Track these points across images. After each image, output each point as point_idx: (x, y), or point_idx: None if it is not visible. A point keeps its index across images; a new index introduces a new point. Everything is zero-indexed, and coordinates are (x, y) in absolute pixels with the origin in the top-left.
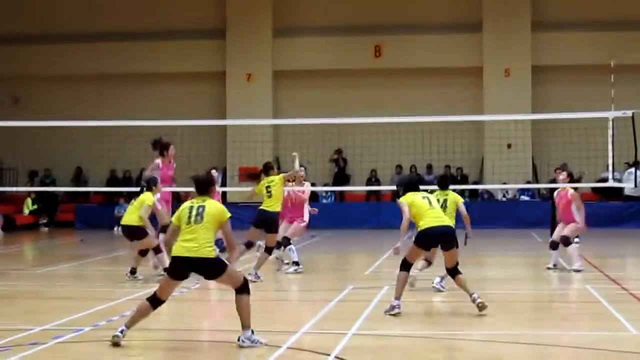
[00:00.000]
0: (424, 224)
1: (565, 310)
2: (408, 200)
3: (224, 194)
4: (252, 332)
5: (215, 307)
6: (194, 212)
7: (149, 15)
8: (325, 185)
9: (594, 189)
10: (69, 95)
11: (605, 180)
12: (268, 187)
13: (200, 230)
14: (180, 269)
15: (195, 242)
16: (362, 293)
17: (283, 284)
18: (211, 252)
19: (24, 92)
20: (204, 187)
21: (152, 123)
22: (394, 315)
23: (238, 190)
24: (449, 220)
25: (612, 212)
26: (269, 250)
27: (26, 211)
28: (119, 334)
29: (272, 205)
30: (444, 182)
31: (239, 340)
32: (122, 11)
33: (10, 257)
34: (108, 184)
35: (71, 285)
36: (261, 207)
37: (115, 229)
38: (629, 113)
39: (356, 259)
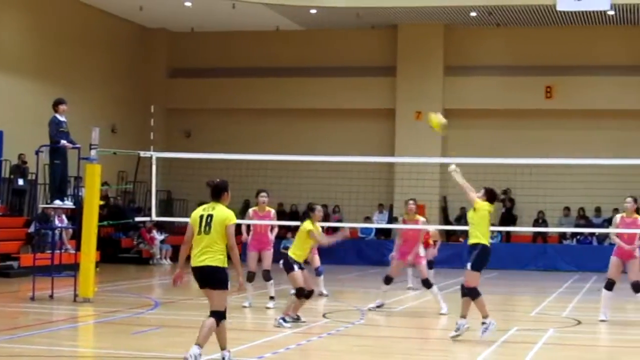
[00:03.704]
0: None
1: None
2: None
3: (388, 230)
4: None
5: None
6: (203, 222)
7: (323, 52)
8: (492, 225)
9: None
10: (245, 128)
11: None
12: None
13: (209, 239)
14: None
15: (208, 254)
16: (527, 335)
17: (444, 322)
18: (223, 261)
19: (195, 125)
20: (218, 192)
21: (320, 158)
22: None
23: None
24: None
25: None
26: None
27: None
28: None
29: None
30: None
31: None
32: (299, 47)
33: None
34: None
35: None
36: None
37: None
38: None
39: (521, 300)
